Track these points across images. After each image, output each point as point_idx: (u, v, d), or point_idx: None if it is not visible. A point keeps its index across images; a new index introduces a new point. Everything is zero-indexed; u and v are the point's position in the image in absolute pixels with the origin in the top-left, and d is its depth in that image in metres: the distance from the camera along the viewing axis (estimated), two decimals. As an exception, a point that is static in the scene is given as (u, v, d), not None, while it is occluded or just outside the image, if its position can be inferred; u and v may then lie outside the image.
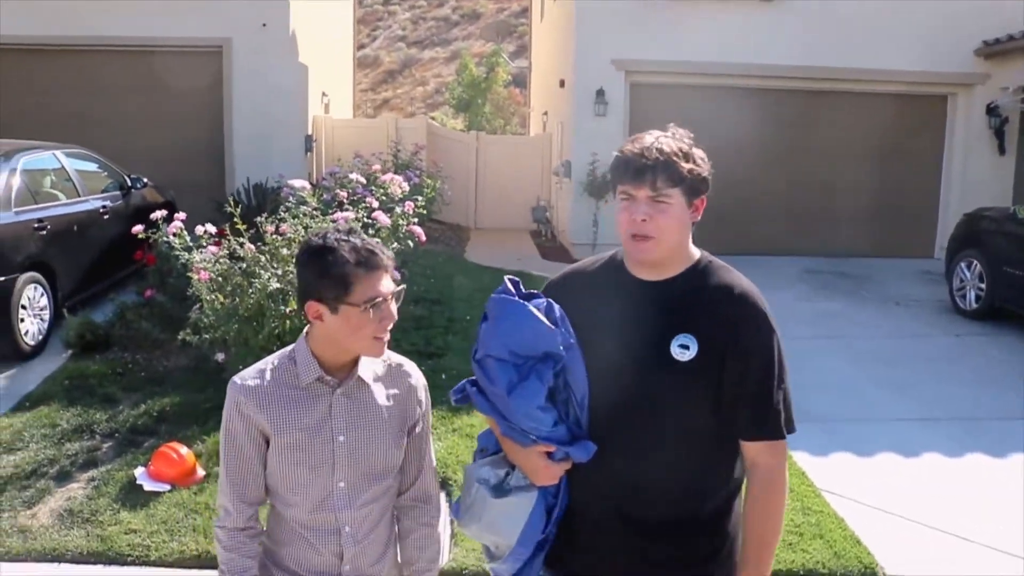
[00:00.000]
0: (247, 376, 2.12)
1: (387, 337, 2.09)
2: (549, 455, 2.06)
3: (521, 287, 2.14)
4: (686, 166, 2.00)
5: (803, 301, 9.95)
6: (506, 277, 2.16)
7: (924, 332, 8.87)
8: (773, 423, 2.03)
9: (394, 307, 2.07)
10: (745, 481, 2.10)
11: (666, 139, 2.03)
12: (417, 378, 2.26)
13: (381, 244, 2.10)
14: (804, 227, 13.05)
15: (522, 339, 2.04)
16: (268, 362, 2.15)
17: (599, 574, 2.14)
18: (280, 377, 2.11)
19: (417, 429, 2.25)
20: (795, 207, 12.99)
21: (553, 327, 2.03)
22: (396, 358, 2.25)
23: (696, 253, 2.13)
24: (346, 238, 2.03)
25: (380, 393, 2.17)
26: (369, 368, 2.16)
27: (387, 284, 2.05)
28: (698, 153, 2.05)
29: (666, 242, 2.03)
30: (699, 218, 2.08)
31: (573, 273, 2.30)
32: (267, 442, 2.09)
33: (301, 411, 2.08)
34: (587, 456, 2.02)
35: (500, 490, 2.14)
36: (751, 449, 2.05)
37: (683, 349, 1.99)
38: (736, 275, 2.11)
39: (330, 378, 2.10)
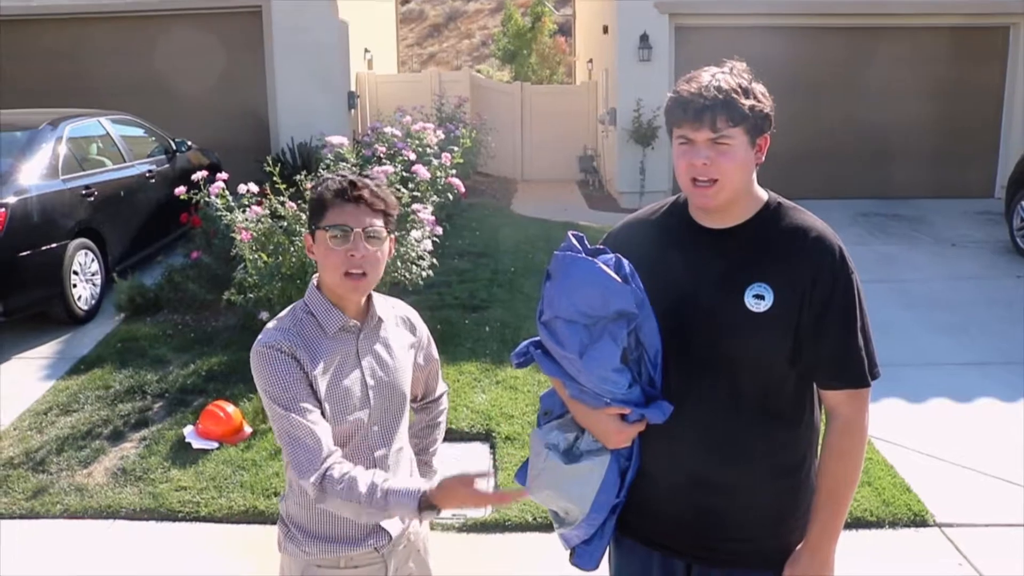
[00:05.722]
0: (274, 333, 2.01)
1: (361, 277, 2.00)
2: (623, 417, 1.95)
3: (586, 242, 1.99)
4: (747, 103, 1.86)
5: (857, 245, 9.69)
6: (569, 232, 2.01)
7: (982, 274, 8.62)
8: (855, 371, 1.93)
9: (371, 247, 1.99)
10: (823, 429, 2.01)
11: (723, 75, 1.89)
12: (418, 319, 2.31)
13: (380, 186, 2.05)
14: (858, 169, 12.71)
15: (592, 298, 1.90)
16: (284, 323, 2.04)
17: (672, 538, 2.06)
18: (307, 331, 2.03)
19: (427, 364, 2.33)
20: (849, 148, 12.64)
21: (624, 284, 1.90)
22: (398, 305, 2.29)
23: (764, 195, 2.01)
24: (346, 174, 2.04)
25: (395, 334, 2.19)
26: (386, 311, 2.18)
27: (362, 219, 1.99)
28: (759, 88, 1.91)
29: (729, 186, 1.91)
30: (763, 159, 1.95)
31: (634, 223, 2.18)
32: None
33: (335, 361, 2.04)
34: (663, 417, 1.92)
35: (571, 455, 2.03)
36: (832, 398, 1.96)
37: (758, 299, 1.90)
38: (809, 216, 2.00)
39: (353, 323, 2.08)
